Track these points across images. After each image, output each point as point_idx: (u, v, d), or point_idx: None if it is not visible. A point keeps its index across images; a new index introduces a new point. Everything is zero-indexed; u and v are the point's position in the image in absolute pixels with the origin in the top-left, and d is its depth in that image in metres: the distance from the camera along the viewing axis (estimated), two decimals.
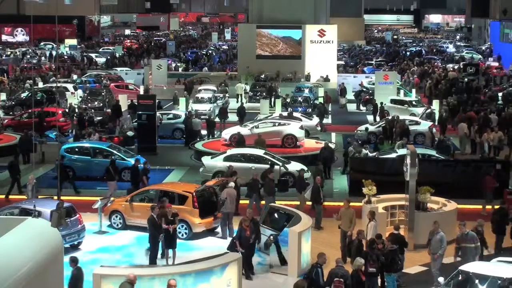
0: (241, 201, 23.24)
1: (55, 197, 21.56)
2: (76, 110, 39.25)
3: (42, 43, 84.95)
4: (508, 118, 35.45)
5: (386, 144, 31.26)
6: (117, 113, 37.95)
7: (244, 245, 18.11)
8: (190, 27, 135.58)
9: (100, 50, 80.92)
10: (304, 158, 29.74)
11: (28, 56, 70.88)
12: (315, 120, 37.43)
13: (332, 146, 30.66)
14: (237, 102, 46.85)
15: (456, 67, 60.75)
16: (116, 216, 22.10)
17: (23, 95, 43.99)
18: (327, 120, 41.65)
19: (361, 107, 46.09)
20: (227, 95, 45.72)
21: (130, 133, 33.34)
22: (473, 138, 33.06)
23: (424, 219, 19.74)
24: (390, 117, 35.27)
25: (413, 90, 48.61)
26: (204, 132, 35.73)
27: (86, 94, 44.33)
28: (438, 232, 17.67)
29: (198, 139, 34.00)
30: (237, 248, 17.98)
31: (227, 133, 32.87)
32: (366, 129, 35.03)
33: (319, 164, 26.33)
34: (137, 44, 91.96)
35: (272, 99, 44.97)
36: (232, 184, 22.28)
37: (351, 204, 20.68)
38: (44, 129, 33.70)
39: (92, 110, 39.25)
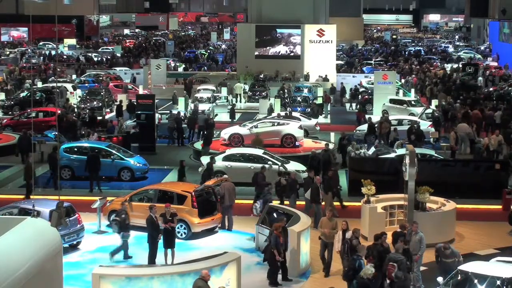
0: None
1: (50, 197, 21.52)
2: (75, 110, 39.26)
3: (41, 43, 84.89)
4: (505, 118, 35.50)
5: (354, 145, 30.85)
6: (118, 112, 38.00)
7: (279, 253, 17.67)
8: (189, 27, 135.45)
9: (100, 49, 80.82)
10: (303, 158, 29.70)
11: (27, 56, 70.77)
12: (314, 119, 37.43)
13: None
14: (236, 102, 46.81)
15: (455, 66, 60.73)
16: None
17: (22, 94, 43.95)
18: (326, 120, 41.70)
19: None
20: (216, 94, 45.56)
21: (132, 131, 33.39)
22: (473, 138, 32.97)
23: (423, 219, 19.71)
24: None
25: (412, 90, 48.57)
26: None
27: (85, 94, 44.38)
28: (417, 233, 17.46)
29: (199, 139, 34.11)
30: (278, 257, 17.54)
31: (226, 133, 32.86)
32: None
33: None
34: (134, 42, 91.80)
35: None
36: (228, 178, 22.54)
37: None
38: (64, 128, 33.65)
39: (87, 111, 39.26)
